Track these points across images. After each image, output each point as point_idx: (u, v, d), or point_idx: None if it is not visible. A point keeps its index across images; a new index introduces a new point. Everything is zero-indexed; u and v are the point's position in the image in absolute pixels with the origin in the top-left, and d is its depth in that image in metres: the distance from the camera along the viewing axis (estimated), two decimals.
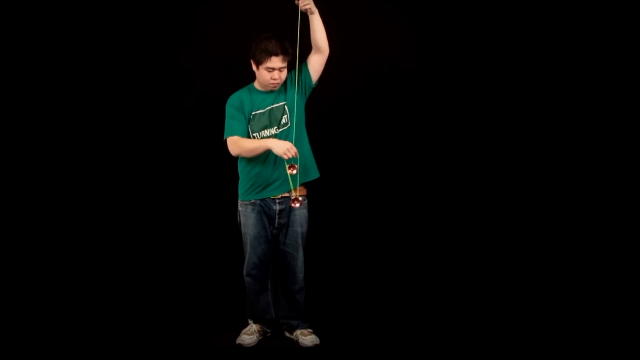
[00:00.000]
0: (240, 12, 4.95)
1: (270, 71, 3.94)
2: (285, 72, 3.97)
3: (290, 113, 4.02)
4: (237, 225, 4.19)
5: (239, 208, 4.15)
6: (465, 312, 4.53)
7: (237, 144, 3.98)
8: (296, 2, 3.84)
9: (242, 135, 4.01)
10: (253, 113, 4.04)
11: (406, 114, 5.02)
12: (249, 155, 3.99)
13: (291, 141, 3.94)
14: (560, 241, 4.93)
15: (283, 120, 4.03)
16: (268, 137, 4.02)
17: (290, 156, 3.86)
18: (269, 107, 4.03)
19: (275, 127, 4.02)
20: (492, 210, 5.03)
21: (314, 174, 4.14)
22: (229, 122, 4.04)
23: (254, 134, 4.05)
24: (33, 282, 4.85)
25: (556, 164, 4.94)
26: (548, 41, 4.88)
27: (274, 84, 3.98)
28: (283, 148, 3.85)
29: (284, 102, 4.03)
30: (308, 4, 3.85)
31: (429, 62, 5.00)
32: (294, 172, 3.89)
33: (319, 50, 3.99)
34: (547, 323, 4.33)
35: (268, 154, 3.99)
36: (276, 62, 3.91)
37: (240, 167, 4.13)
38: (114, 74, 5.00)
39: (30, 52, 4.88)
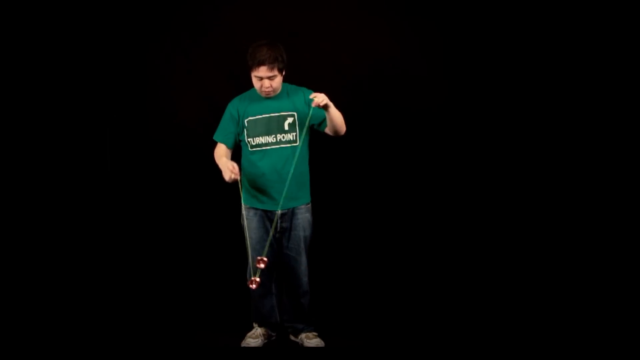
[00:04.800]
0: (245, 15, 4.95)
1: (259, 79, 3.94)
2: (277, 80, 3.96)
3: (299, 127, 4.04)
4: (241, 228, 4.20)
5: (242, 211, 4.16)
6: (470, 317, 4.52)
7: (215, 151, 4.13)
8: (313, 104, 3.85)
9: (224, 143, 4.11)
10: (248, 119, 4.05)
11: (412, 119, 5.01)
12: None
13: (294, 156, 3.98)
14: (559, 242, 4.91)
15: (285, 127, 4.02)
16: (266, 144, 4.03)
17: (233, 177, 3.89)
18: (268, 115, 4.03)
19: (273, 136, 4.02)
20: (496, 216, 5.00)
21: (305, 198, 4.14)
22: (220, 124, 4.15)
23: (249, 139, 4.06)
24: (40, 283, 4.86)
25: (558, 167, 4.92)
26: (553, 45, 4.87)
27: (265, 92, 3.99)
28: (226, 175, 3.92)
29: (292, 113, 4.04)
30: (323, 101, 3.83)
31: (436, 66, 4.98)
32: (262, 266, 3.87)
33: (333, 133, 4.05)
34: (548, 324, 4.34)
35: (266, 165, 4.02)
36: (263, 71, 3.90)
37: (242, 174, 4.14)
38: (119, 76, 5.01)
39: (31, 53, 4.88)
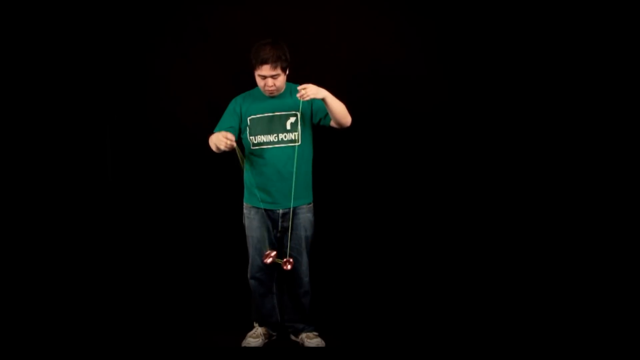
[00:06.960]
0: (245, 15, 4.95)
1: (263, 78, 3.94)
2: (280, 79, 3.95)
3: (301, 126, 4.03)
4: (242, 227, 4.19)
5: (244, 210, 4.16)
6: (470, 317, 4.52)
7: (209, 138, 4.00)
8: (298, 96, 3.81)
9: None
10: (251, 117, 4.05)
11: (413, 119, 5.00)
12: (214, 149, 3.97)
13: (295, 156, 3.98)
14: (559, 241, 4.91)
15: (288, 127, 4.02)
16: (267, 142, 4.02)
17: (229, 143, 3.78)
18: (271, 114, 4.03)
19: (275, 135, 4.02)
20: (496, 215, 5.00)
21: (307, 198, 4.13)
22: (222, 119, 4.09)
23: (251, 137, 4.05)
24: (40, 283, 4.85)
25: (557, 166, 4.92)
26: (552, 45, 4.87)
27: (269, 91, 3.99)
28: (219, 143, 3.80)
29: (295, 112, 4.02)
30: (307, 96, 3.78)
31: (436, 66, 4.98)
32: (289, 267, 3.94)
33: (338, 125, 4.00)
34: (548, 324, 4.34)
35: (268, 164, 4.01)
36: (266, 70, 3.89)
37: (245, 173, 4.13)
38: (120, 76, 5.01)
39: (32, 54, 4.88)
